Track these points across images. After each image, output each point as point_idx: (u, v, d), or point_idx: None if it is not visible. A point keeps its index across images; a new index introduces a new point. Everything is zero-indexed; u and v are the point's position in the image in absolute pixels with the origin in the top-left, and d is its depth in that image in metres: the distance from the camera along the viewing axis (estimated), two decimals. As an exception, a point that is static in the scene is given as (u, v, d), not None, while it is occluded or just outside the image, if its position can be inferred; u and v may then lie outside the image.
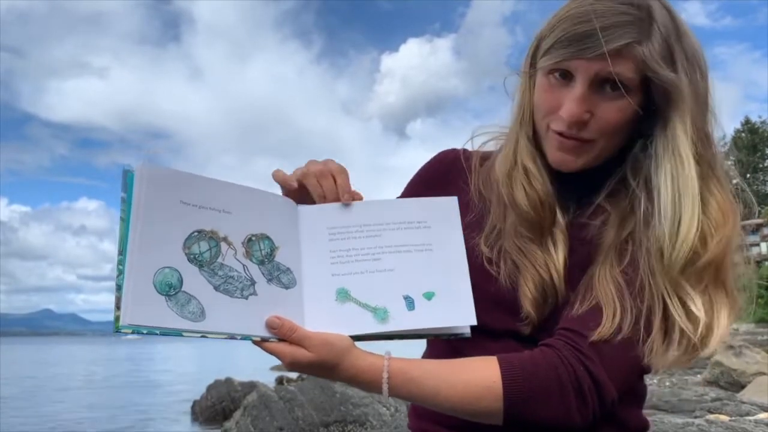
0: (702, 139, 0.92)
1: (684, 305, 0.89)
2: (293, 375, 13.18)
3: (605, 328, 0.89)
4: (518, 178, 1.02)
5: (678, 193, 0.90)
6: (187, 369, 31.44)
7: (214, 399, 12.13)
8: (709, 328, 0.89)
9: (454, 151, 1.19)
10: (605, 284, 0.92)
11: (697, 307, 0.88)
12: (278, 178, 0.98)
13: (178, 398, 15.66)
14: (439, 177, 1.16)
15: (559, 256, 0.98)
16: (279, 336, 0.87)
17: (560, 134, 0.96)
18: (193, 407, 12.90)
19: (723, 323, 0.89)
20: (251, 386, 11.02)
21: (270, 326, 0.86)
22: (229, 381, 12.43)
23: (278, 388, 8.46)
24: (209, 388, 12.65)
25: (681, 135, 0.91)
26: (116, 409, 14.87)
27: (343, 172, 0.99)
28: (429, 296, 0.92)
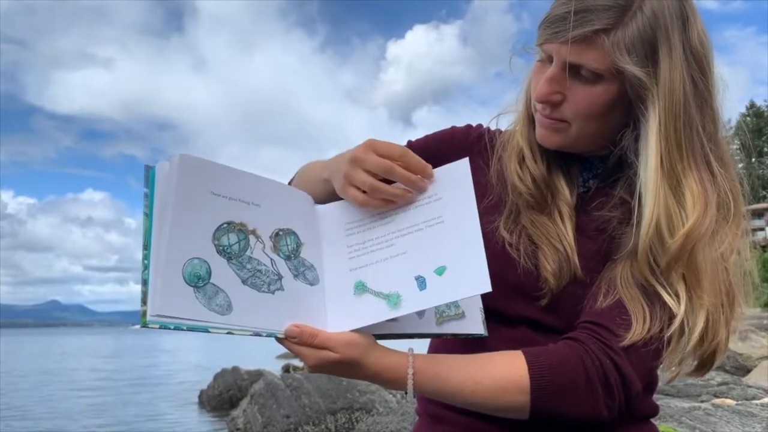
0: (680, 135, 0.89)
1: (660, 301, 0.89)
2: (300, 363, 13.23)
3: (636, 333, 0.88)
4: (514, 159, 1.05)
5: (646, 189, 0.90)
6: (194, 358, 31.62)
7: (221, 387, 12.20)
8: (681, 328, 0.88)
9: (480, 127, 1.19)
10: (629, 285, 0.91)
11: (672, 300, 0.88)
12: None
13: (185, 387, 15.77)
14: (461, 150, 1.14)
15: (567, 228, 0.99)
16: (300, 344, 0.85)
17: (541, 113, 0.98)
18: (200, 396, 12.98)
19: (698, 324, 0.87)
20: (258, 374, 11.08)
21: (290, 336, 0.84)
22: (235, 370, 12.50)
23: (285, 376, 8.50)
24: (216, 376, 12.72)
25: (653, 130, 0.89)
26: (124, 398, 14.98)
27: (400, 155, 0.90)
28: (440, 272, 0.88)
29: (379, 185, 0.90)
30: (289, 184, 1.21)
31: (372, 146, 0.90)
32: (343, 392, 7.43)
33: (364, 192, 0.91)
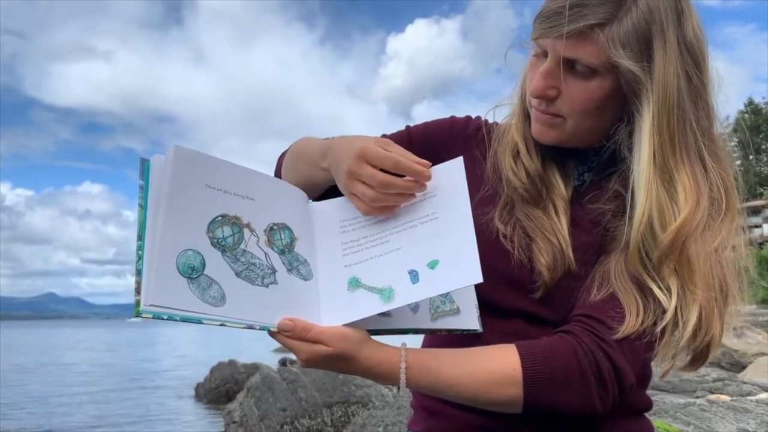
0: (673, 130, 0.89)
1: (652, 295, 0.89)
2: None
3: (629, 325, 0.88)
4: (508, 154, 1.05)
5: (638, 183, 0.90)
6: (191, 351, 31.64)
7: (217, 381, 12.21)
8: (675, 322, 0.88)
9: (477, 119, 1.19)
10: (623, 278, 0.91)
11: (664, 295, 0.88)
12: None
13: (182, 380, 15.78)
14: (459, 140, 1.15)
15: (562, 222, 0.99)
16: (293, 338, 0.85)
17: (537, 108, 0.98)
18: (196, 389, 13.00)
19: (691, 318, 0.87)
20: (254, 368, 11.09)
21: (283, 329, 0.85)
22: (232, 363, 12.51)
23: (281, 370, 8.50)
24: (213, 370, 12.73)
25: (646, 125, 0.89)
26: (120, 391, 14.99)
27: (393, 165, 0.90)
28: (433, 265, 0.89)
29: (379, 196, 0.91)
30: (281, 157, 1.22)
31: (364, 157, 0.90)
32: (339, 386, 7.44)
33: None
